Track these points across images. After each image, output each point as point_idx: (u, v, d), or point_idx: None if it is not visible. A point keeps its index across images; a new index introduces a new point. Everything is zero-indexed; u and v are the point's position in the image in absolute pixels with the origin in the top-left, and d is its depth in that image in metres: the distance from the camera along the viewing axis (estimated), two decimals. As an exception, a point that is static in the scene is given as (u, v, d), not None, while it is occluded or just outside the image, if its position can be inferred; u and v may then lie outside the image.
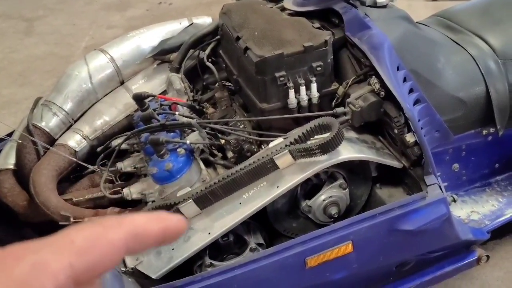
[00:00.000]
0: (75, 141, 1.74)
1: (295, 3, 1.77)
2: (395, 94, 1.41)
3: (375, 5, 1.67)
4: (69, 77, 1.81)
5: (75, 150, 1.73)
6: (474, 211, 1.76)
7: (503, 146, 1.80)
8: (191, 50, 1.91)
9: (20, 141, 1.67)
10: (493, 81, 1.69)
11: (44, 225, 1.65)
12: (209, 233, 1.38)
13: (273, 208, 1.51)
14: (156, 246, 0.38)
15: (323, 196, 1.51)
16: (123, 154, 1.73)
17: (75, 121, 1.81)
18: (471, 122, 1.72)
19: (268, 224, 1.55)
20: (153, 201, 1.53)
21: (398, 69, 1.51)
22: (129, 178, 1.72)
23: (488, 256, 1.68)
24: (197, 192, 1.39)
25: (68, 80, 1.80)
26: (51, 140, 1.75)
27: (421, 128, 1.51)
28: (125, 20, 4.57)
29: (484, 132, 1.74)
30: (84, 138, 1.76)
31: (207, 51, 1.89)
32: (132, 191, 1.58)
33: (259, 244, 1.47)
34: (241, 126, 1.62)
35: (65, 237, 0.33)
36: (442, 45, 1.77)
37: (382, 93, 1.48)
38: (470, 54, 1.73)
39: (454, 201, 1.57)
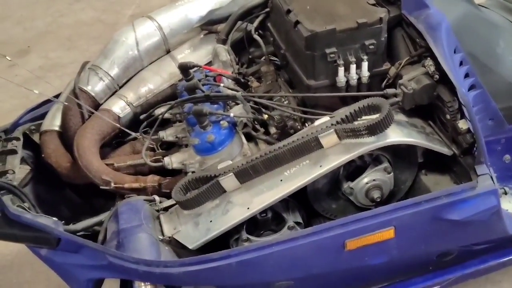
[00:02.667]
0: (119, 107, 1.75)
1: (350, -23, 1.70)
2: (451, 77, 1.35)
3: (435, -17, 1.59)
4: (117, 43, 1.81)
5: (118, 116, 1.74)
6: (523, 205, 1.69)
7: (560, 139, 1.70)
8: (239, 22, 1.87)
9: (67, 104, 1.69)
10: (555, 69, 1.59)
11: (85, 187, 1.68)
12: (248, 208, 1.37)
13: (314, 188, 1.48)
14: None
15: (367, 179, 1.47)
16: (165, 123, 1.72)
17: (120, 87, 1.82)
18: (528, 112, 1.63)
19: (306, 203, 1.52)
20: (193, 172, 1.53)
21: (455, 52, 1.44)
22: (170, 147, 1.71)
23: (534, 254, 1.61)
24: (238, 166, 1.38)
25: (115, 46, 1.80)
26: (96, 105, 1.76)
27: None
28: (172, -10, 4.55)
29: (541, 123, 1.65)
30: (128, 105, 1.76)
31: (255, 23, 1.85)
32: (173, 160, 1.58)
33: (297, 223, 1.45)
34: (285, 102, 1.59)
35: None
36: (503, 29, 1.68)
37: (437, 76, 1.42)
38: (533, 40, 1.63)
39: (505, 193, 1.51)
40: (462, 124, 1.39)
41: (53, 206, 1.62)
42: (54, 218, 1.36)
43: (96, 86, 1.76)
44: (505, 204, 1.68)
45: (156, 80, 1.82)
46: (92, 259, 1.30)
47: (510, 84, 1.59)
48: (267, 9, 1.84)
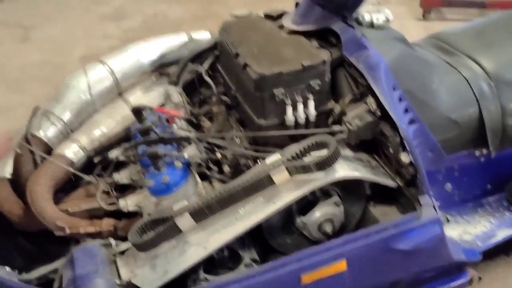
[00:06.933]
0: (72, 151, 1.74)
1: (294, 22, 1.79)
2: (391, 114, 1.44)
3: (372, 26, 1.71)
4: (68, 88, 1.82)
5: (72, 161, 1.73)
6: (466, 231, 1.78)
7: (495, 167, 1.83)
8: (190, 64, 1.93)
9: (18, 150, 1.67)
10: (486, 103, 1.72)
11: (38, 233, 1.66)
12: (205, 248, 1.39)
13: (268, 224, 1.52)
14: None
15: (318, 213, 1.52)
16: (120, 166, 1.73)
17: (73, 132, 1.82)
18: (464, 143, 1.74)
19: (262, 239, 1.56)
20: (149, 214, 1.54)
21: (394, 89, 1.54)
22: (125, 189, 1.72)
23: (480, 278, 1.69)
24: (193, 206, 1.40)
25: (67, 91, 1.81)
26: (49, 150, 1.75)
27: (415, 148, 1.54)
28: (121, 31, 4.58)
29: (477, 153, 1.77)
30: (82, 149, 1.76)
31: (206, 65, 1.91)
32: (128, 203, 1.58)
33: (254, 260, 1.48)
34: (237, 141, 1.64)
35: None
36: (436, 67, 1.80)
37: (378, 112, 1.51)
38: (464, 76, 1.76)
39: (448, 221, 1.59)
40: (404, 157, 1.47)
41: (5, 255, 1.58)
42: (7, 268, 1.33)
43: (48, 132, 1.75)
44: (450, 231, 1.77)
45: (109, 123, 1.83)
46: (47, 308, 1.28)
47: (445, 117, 1.70)
48: (217, 52, 1.91)
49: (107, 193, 1.68)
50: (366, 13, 1.74)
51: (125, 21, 4.80)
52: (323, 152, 1.40)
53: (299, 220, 1.53)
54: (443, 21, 4.67)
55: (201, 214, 1.41)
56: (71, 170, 1.69)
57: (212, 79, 1.90)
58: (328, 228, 1.53)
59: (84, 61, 1.93)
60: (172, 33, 2.09)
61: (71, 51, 4.20)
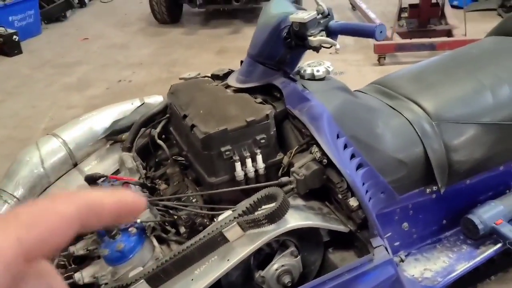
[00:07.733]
0: (26, 227, 1.72)
1: (238, 80, 1.86)
2: (334, 161, 1.48)
3: (313, 78, 1.78)
4: (20, 163, 1.83)
5: (26, 237, 1.71)
6: (427, 268, 1.80)
7: (447, 202, 1.87)
8: (143, 129, 1.96)
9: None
10: (429, 142, 1.78)
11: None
12: (162, 313, 1.37)
13: (228, 281, 1.51)
14: (112, 222, 0.35)
15: (276, 265, 1.52)
16: (77, 239, 1.71)
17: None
18: (414, 182, 1.79)
19: (224, 298, 1.54)
20: (106, 284, 1.52)
21: (338, 137, 1.59)
22: (83, 261, 1.70)
23: (444, 313, 1.70)
24: (148, 272, 1.39)
25: (19, 167, 1.82)
26: (2, 228, 1.73)
27: (366, 191, 1.58)
28: (85, 99, 4.63)
29: (428, 190, 1.82)
30: (36, 224, 1.74)
31: (158, 128, 1.94)
32: (84, 275, 1.56)
33: (215, 321, 1.46)
34: (194, 201, 1.65)
35: (11, 214, 0.32)
36: (380, 111, 1.87)
37: (325, 160, 1.55)
38: (406, 118, 1.83)
39: (402, 261, 1.61)
40: (353, 202, 1.50)
41: None
42: None
43: (1, 210, 1.74)
44: (411, 270, 1.80)
45: (64, 195, 1.83)
46: None
47: (393, 158, 1.75)
48: (168, 115, 1.95)
49: (64, 267, 1.66)
50: (307, 66, 1.82)
51: (89, 90, 4.86)
52: (273, 205, 1.41)
53: (258, 275, 1.53)
54: (397, 64, 4.87)
55: (157, 279, 1.40)
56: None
57: (167, 141, 1.93)
58: (287, 280, 1.52)
59: (48, 133, 1.95)
60: (135, 97, 2.14)
61: (36, 124, 4.22)
